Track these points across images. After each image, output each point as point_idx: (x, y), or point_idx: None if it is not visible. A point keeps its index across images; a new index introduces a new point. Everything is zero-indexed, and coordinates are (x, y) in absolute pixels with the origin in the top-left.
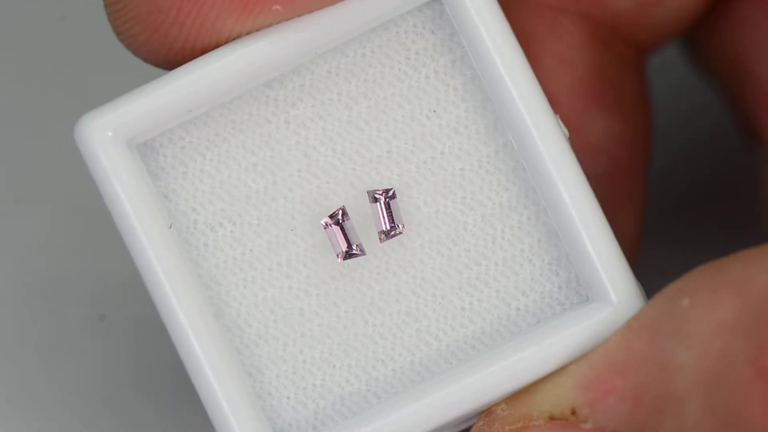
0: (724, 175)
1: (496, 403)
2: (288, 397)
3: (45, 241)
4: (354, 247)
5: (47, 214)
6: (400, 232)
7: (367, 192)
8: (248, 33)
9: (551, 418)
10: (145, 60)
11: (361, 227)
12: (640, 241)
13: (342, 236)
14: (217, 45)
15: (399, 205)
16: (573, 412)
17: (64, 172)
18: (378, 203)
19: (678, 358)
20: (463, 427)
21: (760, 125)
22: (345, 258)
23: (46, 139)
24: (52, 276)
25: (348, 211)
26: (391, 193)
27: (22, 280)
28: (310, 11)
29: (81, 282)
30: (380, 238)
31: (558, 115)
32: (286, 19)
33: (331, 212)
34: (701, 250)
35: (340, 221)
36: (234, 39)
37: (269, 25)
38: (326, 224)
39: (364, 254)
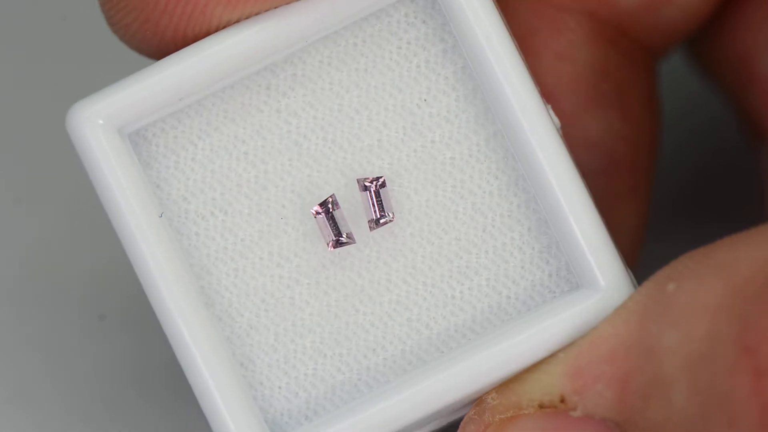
0: (724, 168)
1: (487, 392)
2: (280, 387)
3: (45, 241)
4: (344, 235)
5: (47, 214)
6: (390, 221)
7: (357, 180)
8: (238, 21)
9: (541, 407)
10: (138, 50)
11: (352, 216)
12: (642, 236)
13: (332, 225)
14: (208, 33)
15: (389, 193)
16: (562, 400)
17: (64, 172)
18: (368, 192)
19: (664, 342)
20: (455, 417)
21: (763, 126)
22: (335, 246)
23: (46, 138)
24: (52, 276)
25: (339, 200)
26: (380, 181)
27: (22, 280)
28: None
29: (81, 282)
30: (370, 227)
31: (550, 106)
32: (276, 7)
33: (322, 201)
34: (700, 243)
35: (330, 210)
36: (224, 27)
37: (259, 13)
38: (316, 213)
39: (354, 242)
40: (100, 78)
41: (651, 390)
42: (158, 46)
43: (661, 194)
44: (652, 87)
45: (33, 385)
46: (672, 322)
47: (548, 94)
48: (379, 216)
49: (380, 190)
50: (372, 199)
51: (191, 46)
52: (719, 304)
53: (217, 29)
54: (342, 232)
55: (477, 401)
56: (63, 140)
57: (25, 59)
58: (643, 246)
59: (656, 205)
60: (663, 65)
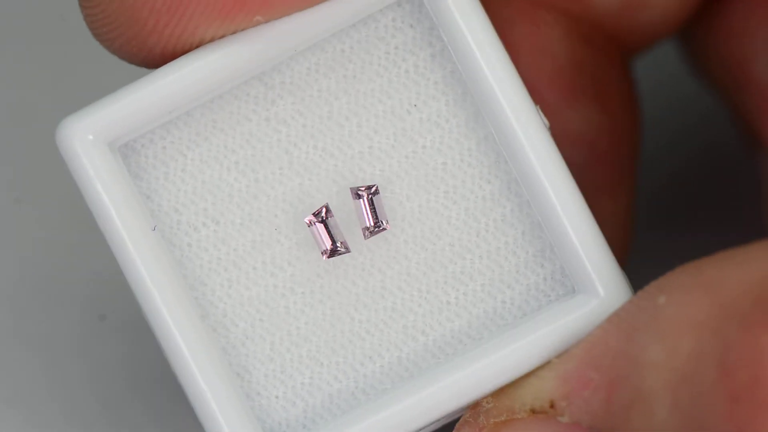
0: (712, 168)
1: None
2: (277, 396)
3: (45, 240)
4: (338, 244)
5: (47, 214)
6: (385, 229)
7: (350, 189)
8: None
9: (533, 411)
10: (122, 59)
11: (345, 224)
12: (629, 233)
13: (326, 234)
14: (196, 48)
15: (382, 200)
16: (552, 405)
17: (64, 172)
18: (361, 200)
19: (650, 355)
20: (451, 419)
21: (760, 130)
22: (330, 256)
23: (46, 138)
24: (52, 276)
25: (331, 208)
26: (374, 189)
27: (22, 280)
28: (290, 14)
29: (81, 282)
30: (364, 235)
31: (538, 106)
32: (262, 23)
33: (314, 209)
34: (689, 245)
35: (324, 218)
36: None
37: (246, 29)
38: (310, 222)
39: (349, 251)
40: (100, 78)
41: (634, 401)
42: (144, 61)
43: (648, 193)
44: (629, 83)
45: (32, 386)
46: (658, 335)
47: (529, 88)
48: (373, 224)
49: (373, 198)
50: (366, 207)
51: (180, 58)
52: (704, 323)
53: (206, 43)
54: (336, 240)
55: (472, 404)
56: None
57: (25, 59)
58: (633, 246)
59: (644, 205)
60: (650, 64)
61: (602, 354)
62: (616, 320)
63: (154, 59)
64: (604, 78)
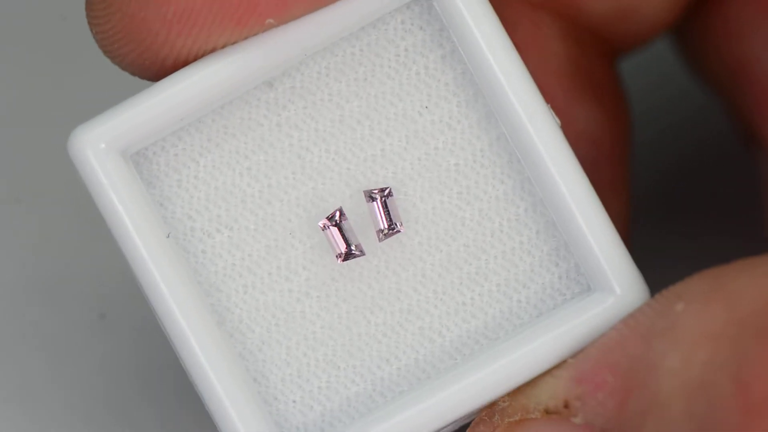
0: (703, 165)
1: None
2: (294, 401)
3: (45, 240)
4: (353, 247)
5: (48, 214)
6: (399, 231)
7: (364, 192)
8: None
9: (547, 411)
10: (133, 74)
11: (359, 227)
12: (628, 228)
13: (341, 237)
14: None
15: (396, 203)
16: (566, 405)
17: (64, 172)
18: (375, 202)
19: (666, 362)
20: (469, 420)
21: (759, 128)
22: (345, 259)
23: (46, 138)
24: (52, 276)
25: (345, 211)
26: (387, 191)
27: (23, 280)
28: (301, 17)
29: (81, 282)
30: (379, 237)
31: (549, 105)
32: (277, 26)
33: (328, 213)
34: (682, 246)
35: (338, 222)
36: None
37: (257, 34)
38: (324, 226)
39: (364, 254)
40: (100, 78)
41: (648, 407)
42: (156, 73)
43: (637, 191)
44: (619, 83)
45: (33, 384)
46: (675, 343)
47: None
48: (387, 226)
49: (387, 200)
50: (380, 209)
51: (190, 66)
52: (721, 334)
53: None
54: (351, 243)
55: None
56: (63, 140)
57: (25, 59)
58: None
59: (633, 203)
60: (639, 63)
61: (619, 357)
62: (633, 324)
63: (165, 71)
64: (600, 77)
